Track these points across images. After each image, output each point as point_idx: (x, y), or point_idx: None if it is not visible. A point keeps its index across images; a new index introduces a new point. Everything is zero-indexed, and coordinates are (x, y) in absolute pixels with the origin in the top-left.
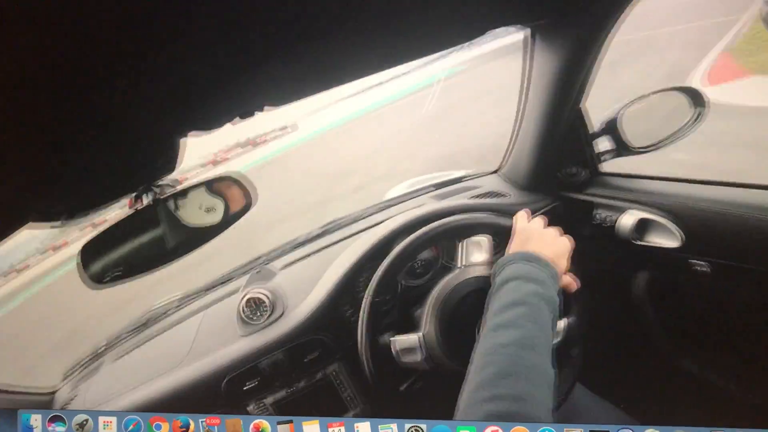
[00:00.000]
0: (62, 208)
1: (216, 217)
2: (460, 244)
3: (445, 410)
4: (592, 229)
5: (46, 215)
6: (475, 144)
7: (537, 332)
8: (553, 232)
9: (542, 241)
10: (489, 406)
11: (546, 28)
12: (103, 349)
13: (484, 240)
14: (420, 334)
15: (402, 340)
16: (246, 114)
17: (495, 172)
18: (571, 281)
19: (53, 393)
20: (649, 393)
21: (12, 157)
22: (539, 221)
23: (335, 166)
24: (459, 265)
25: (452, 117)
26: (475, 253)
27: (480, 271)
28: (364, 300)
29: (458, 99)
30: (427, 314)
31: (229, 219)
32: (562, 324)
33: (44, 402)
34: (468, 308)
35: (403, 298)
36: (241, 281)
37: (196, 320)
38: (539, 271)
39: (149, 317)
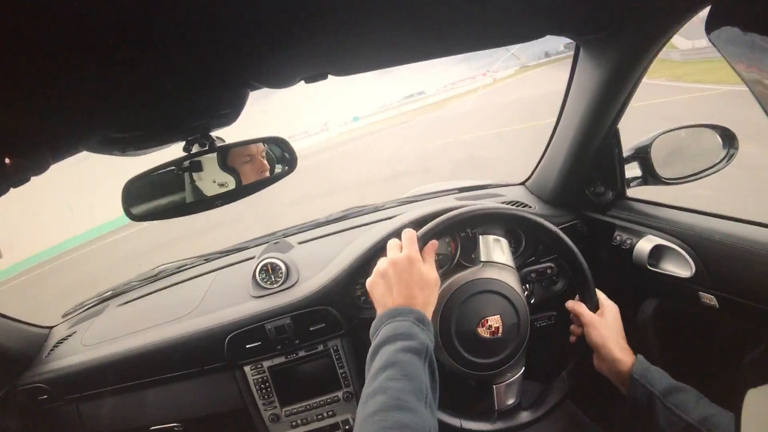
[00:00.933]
0: (120, 140)
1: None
2: (482, 239)
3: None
4: (610, 250)
5: (103, 144)
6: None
7: (406, 386)
8: (409, 266)
9: (402, 283)
10: None
11: (596, 43)
12: (108, 294)
13: (503, 241)
14: None
15: None
16: (311, 79)
17: (522, 183)
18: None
19: (50, 328)
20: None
21: (79, 80)
22: (413, 259)
23: (373, 155)
24: (480, 259)
25: (487, 124)
26: (497, 251)
27: (496, 274)
28: None
29: (494, 106)
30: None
31: (241, 190)
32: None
33: (40, 336)
34: (474, 306)
35: None
36: (258, 250)
37: (208, 279)
38: (404, 323)
39: (161, 271)
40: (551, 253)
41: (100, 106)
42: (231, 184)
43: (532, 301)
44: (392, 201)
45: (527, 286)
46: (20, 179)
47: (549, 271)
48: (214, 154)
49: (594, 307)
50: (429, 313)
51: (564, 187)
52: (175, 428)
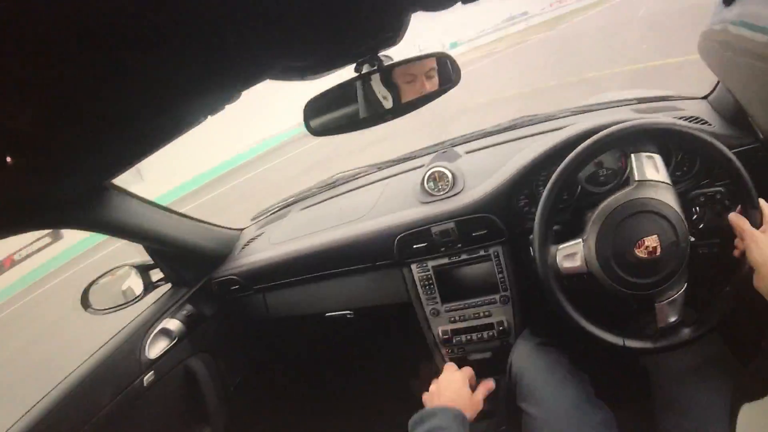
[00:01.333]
0: (299, 67)
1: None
2: (634, 157)
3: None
4: None
5: (284, 72)
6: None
7: None
8: (452, 377)
9: (445, 391)
10: None
11: None
12: (291, 200)
13: (656, 156)
14: (581, 239)
15: (564, 248)
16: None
17: (705, 97)
18: None
19: (241, 230)
20: None
21: (265, 16)
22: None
23: (545, 60)
24: (635, 179)
25: (665, 29)
26: (650, 169)
27: (652, 193)
28: (543, 197)
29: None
30: (592, 222)
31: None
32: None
33: (233, 236)
34: (630, 227)
35: (579, 201)
36: (427, 159)
37: (380, 186)
38: (441, 420)
39: (338, 179)
40: (727, 177)
41: (281, 40)
42: (392, 102)
43: (700, 226)
44: (565, 110)
45: (696, 209)
46: (215, 109)
47: (719, 195)
48: (379, 75)
49: (757, 223)
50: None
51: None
52: (347, 315)
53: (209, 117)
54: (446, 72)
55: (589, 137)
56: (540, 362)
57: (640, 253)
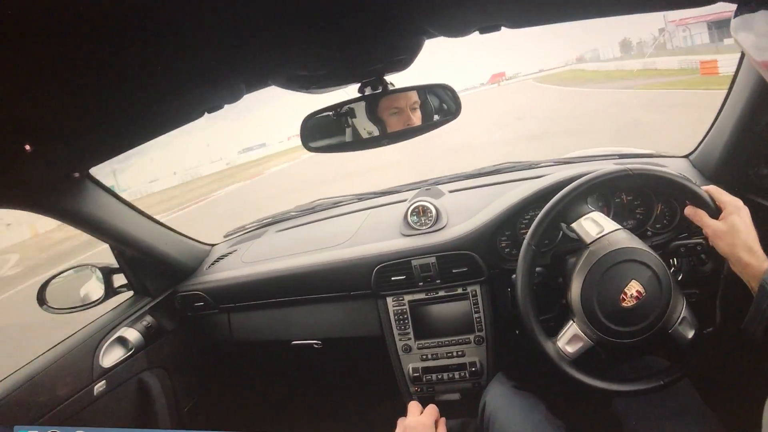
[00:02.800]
0: (304, 78)
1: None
2: (575, 226)
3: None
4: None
5: (289, 81)
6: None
7: None
8: (420, 420)
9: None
10: None
11: None
12: (268, 221)
13: (592, 214)
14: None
15: (563, 336)
16: (485, 30)
17: (686, 156)
18: None
19: (213, 245)
20: None
21: (271, 22)
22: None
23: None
24: (586, 244)
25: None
26: (592, 226)
27: (608, 245)
28: (527, 239)
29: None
30: (576, 273)
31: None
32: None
33: (203, 251)
34: (610, 278)
35: (559, 246)
36: (410, 194)
37: (361, 215)
38: None
39: (318, 204)
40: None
41: (289, 46)
42: (376, 131)
43: (679, 277)
44: (548, 160)
45: (675, 261)
46: (214, 106)
47: (699, 248)
48: (363, 104)
49: (713, 211)
50: None
51: (728, 165)
52: (315, 345)
53: (206, 114)
54: (441, 105)
55: (563, 186)
56: (515, 405)
57: (626, 303)
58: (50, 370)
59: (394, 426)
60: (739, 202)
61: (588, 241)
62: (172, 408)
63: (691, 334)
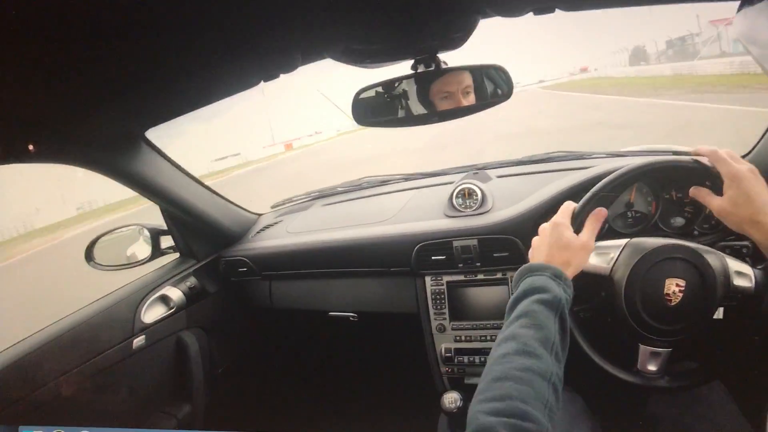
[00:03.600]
0: (360, 52)
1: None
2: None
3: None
4: None
5: (345, 54)
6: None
7: (534, 334)
8: (551, 231)
9: (544, 245)
10: (479, 407)
11: None
12: (315, 195)
13: None
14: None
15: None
16: (539, 11)
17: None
18: None
19: (259, 215)
20: None
21: None
22: (566, 225)
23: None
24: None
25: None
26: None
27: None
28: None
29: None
30: (623, 259)
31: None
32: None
33: (250, 219)
34: (660, 271)
35: (603, 238)
36: (457, 177)
37: (406, 194)
38: (540, 278)
39: (365, 182)
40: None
41: (346, 20)
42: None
43: None
44: (600, 152)
45: None
46: (271, 75)
47: (744, 250)
48: (414, 83)
49: (717, 184)
50: (569, 272)
51: None
52: (351, 318)
53: (262, 83)
54: (499, 85)
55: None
56: None
57: (667, 298)
58: (93, 320)
59: (422, 403)
60: (739, 170)
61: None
62: (206, 368)
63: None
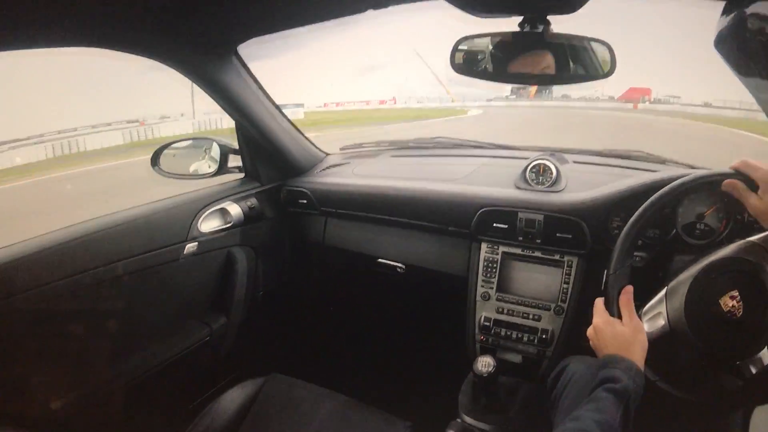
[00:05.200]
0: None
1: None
2: None
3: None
4: None
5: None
6: None
7: (594, 416)
8: (621, 328)
9: (615, 341)
10: None
11: None
12: (386, 144)
13: None
14: (663, 291)
15: (647, 310)
16: None
17: None
18: None
19: (328, 154)
20: None
21: None
22: (609, 321)
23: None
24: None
25: None
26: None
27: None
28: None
29: None
30: (685, 271)
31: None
32: None
33: (318, 156)
34: (722, 283)
35: (668, 245)
36: (532, 155)
37: (478, 161)
38: (615, 370)
39: (438, 142)
40: None
41: None
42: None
43: None
44: (682, 161)
45: None
46: (379, 3)
47: None
48: (513, 42)
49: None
50: (638, 358)
51: None
52: (398, 268)
53: (370, 11)
54: (591, 61)
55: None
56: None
57: (730, 314)
58: (150, 218)
59: (450, 366)
60: None
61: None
62: (249, 287)
63: None
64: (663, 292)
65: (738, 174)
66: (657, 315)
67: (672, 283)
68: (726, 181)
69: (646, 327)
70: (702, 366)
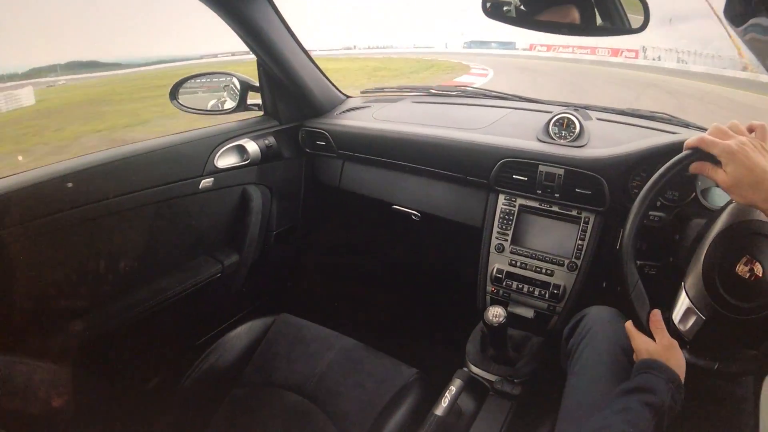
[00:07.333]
0: None
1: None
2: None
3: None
4: None
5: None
6: None
7: (623, 428)
8: (655, 347)
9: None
10: None
11: None
12: (408, 90)
13: None
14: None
15: (677, 313)
16: None
17: None
18: None
19: (348, 97)
20: None
21: None
22: (645, 341)
23: None
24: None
25: None
26: None
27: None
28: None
29: None
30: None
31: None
32: None
33: (338, 98)
34: (741, 246)
35: (687, 207)
36: (556, 109)
37: (501, 112)
38: (657, 378)
39: (461, 90)
40: None
41: None
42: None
43: None
44: (706, 127)
45: None
46: None
47: None
48: None
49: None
50: (680, 373)
51: None
52: (413, 216)
53: None
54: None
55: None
56: (617, 330)
57: (744, 275)
58: (167, 150)
59: (459, 315)
60: (727, 145)
61: (721, 205)
62: (263, 227)
63: None
64: (682, 292)
65: (698, 152)
66: (688, 312)
67: (687, 279)
68: (692, 165)
69: (683, 328)
70: (744, 339)
